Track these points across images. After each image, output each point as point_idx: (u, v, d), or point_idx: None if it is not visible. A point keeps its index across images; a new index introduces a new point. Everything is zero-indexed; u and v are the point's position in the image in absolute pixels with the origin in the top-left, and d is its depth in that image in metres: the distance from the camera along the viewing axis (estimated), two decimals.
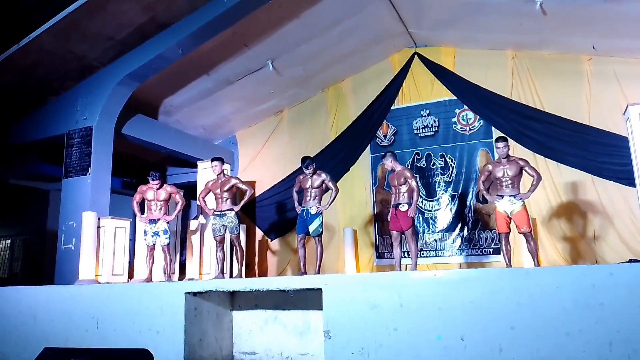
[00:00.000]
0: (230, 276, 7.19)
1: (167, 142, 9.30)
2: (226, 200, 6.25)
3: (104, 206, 7.51)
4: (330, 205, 6.18)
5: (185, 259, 7.86)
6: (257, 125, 10.56)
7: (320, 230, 6.09)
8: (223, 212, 6.23)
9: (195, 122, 9.94)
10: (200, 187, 7.25)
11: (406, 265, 7.56)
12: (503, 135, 6.69)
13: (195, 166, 8.12)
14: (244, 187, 6.31)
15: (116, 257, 7.08)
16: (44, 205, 9.68)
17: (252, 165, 10.39)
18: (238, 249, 6.33)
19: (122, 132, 8.28)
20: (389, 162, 6.03)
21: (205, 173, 7.38)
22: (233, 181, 6.32)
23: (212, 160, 6.45)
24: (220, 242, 6.31)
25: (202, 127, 10.14)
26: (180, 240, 8.10)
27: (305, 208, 6.14)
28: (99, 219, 7.01)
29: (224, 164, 6.43)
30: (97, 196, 7.47)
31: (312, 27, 7.87)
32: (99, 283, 6.57)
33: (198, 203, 6.72)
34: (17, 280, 9.34)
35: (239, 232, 6.38)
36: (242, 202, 6.28)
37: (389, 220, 6.10)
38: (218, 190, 6.27)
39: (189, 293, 5.00)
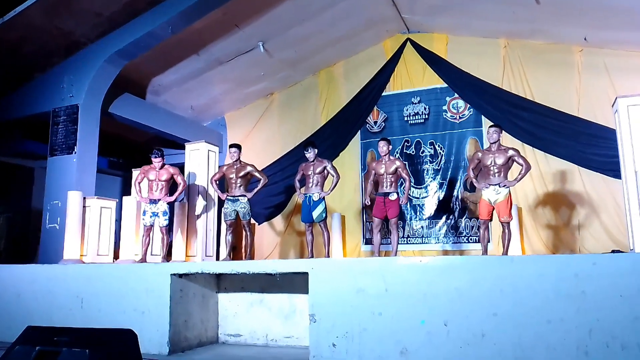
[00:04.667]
0: (217, 259, 7.19)
1: (154, 122, 9.20)
2: (240, 186, 6.29)
3: (90, 186, 7.43)
4: (332, 191, 6.30)
5: (172, 241, 7.83)
6: (247, 108, 10.47)
7: (324, 215, 6.25)
8: (236, 197, 6.27)
9: (184, 103, 9.83)
10: (187, 169, 7.20)
11: (385, 252, 7.66)
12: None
13: (183, 147, 8.04)
14: (259, 175, 6.39)
15: (101, 238, 7.02)
16: (29, 183, 9.55)
17: None
18: (249, 234, 6.43)
19: (109, 110, 8.16)
20: (386, 148, 6.10)
21: (193, 155, 7.30)
22: (249, 168, 6.35)
23: (230, 147, 6.48)
24: (230, 226, 6.34)
25: (191, 107, 10.03)
26: (169, 222, 8.04)
27: (308, 195, 6.25)
28: (84, 198, 6.93)
29: (241, 151, 6.47)
30: (83, 175, 7.39)
31: (304, 9, 7.77)
32: (84, 263, 6.53)
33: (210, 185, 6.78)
34: (0, 259, 9.25)
35: (250, 218, 6.45)
36: (257, 190, 6.34)
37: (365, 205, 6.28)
38: (233, 176, 6.31)
39: (174, 275, 4.99)
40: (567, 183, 7.75)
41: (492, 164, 5.56)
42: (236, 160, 6.39)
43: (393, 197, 6.00)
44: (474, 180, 5.79)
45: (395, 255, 6.03)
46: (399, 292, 4.03)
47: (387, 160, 6.10)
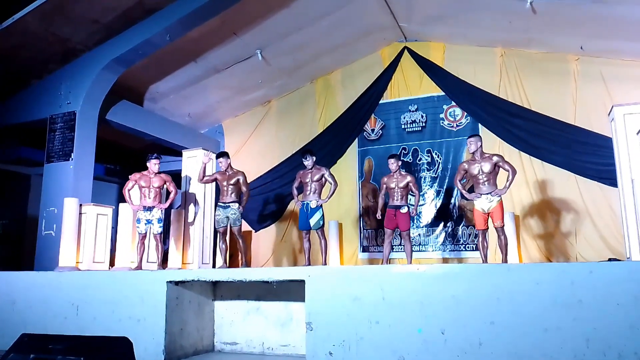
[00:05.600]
0: (213, 266, 7.16)
1: (151, 129, 9.20)
2: (231, 193, 6.28)
3: (86, 192, 7.41)
4: (329, 198, 6.31)
5: (168, 248, 7.81)
6: (244, 115, 10.48)
7: (322, 223, 6.28)
8: (227, 204, 6.25)
9: (181, 110, 9.84)
10: (184, 176, 7.19)
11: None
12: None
13: (180, 154, 8.04)
14: (244, 187, 6.35)
15: (97, 245, 6.99)
16: (25, 190, 9.52)
17: (238, 155, 10.31)
18: (240, 240, 6.39)
19: (106, 117, 8.16)
20: (395, 165, 6.34)
21: (189, 162, 7.30)
22: (240, 177, 6.33)
23: (217, 157, 6.50)
24: (224, 234, 6.33)
25: (188, 115, 10.03)
26: (164, 229, 8.03)
27: (306, 202, 6.27)
28: (80, 205, 6.90)
29: (229, 158, 6.48)
30: (79, 182, 7.37)
31: (302, 17, 7.80)
32: (80, 270, 6.49)
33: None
34: None
35: (241, 225, 6.41)
36: (243, 204, 6.32)
37: (375, 217, 6.35)
38: (224, 183, 6.32)
39: (170, 282, 4.96)
40: (563, 191, 7.76)
41: (480, 172, 5.57)
42: (227, 168, 6.39)
43: (404, 210, 6.22)
44: (463, 191, 5.83)
45: (410, 264, 6.12)
46: (395, 301, 4.01)
47: (398, 175, 6.32)
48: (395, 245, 8.70)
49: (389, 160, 6.45)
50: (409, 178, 6.31)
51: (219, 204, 6.35)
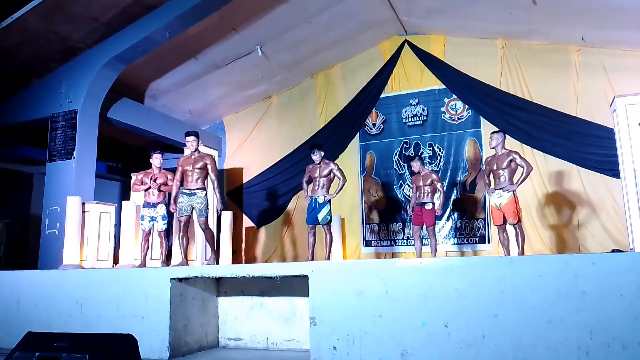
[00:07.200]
0: (217, 262, 7.17)
1: (153, 126, 9.20)
2: (197, 179, 5.74)
3: (89, 191, 7.43)
4: (337, 194, 6.33)
5: (171, 245, 7.83)
6: (245, 111, 10.48)
7: (329, 218, 6.31)
8: (192, 191, 5.72)
9: (182, 107, 9.83)
10: None
11: (385, 253, 7.63)
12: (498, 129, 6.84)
13: (182, 151, 8.05)
14: (212, 175, 5.80)
15: (101, 243, 7.01)
16: (28, 189, 9.54)
17: (239, 151, 10.33)
18: (207, 232, 5.86)
19: (107, 115, 8.16)
20: (417, 165, 6.70)
21: None
22: (208, 161, 5.77)
23: (187, 135, 5.78)
24: (185, 225, 5.78)
25: (189, 112, 10.03)
26: (167, 226, 8.04)
27: (314, 197, 6.29)
28: (83, 203, 6.92)
29: (199, 139, 5.86)
30: (81, 180, 7.39)
31: (301, 12, 7.78)
32: (84, 268, 6.51)
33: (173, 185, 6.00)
34: (0, 265, 9.22)
35: (208, 215, 5.87)
36: (217, 194, 5.84)
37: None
38: (189, 167, 5.74)
39: (174, 279, 4.97)
40: (566, 183, 7.75)
41: (497, 168, 5.68)
42: (194, 151, 5.80)
43: (429, 206, 6.56)
44: (486, 186, 6.01)
45: (434, 256, 6.37)
46: (399, 294, 4.02)
47: (423, 174, 6.64)
48: (401, 239, 8.72)
49: (411, 164, 6.86)
50: (433, 176, 6.66)
51: (182, 190, 5.76)
